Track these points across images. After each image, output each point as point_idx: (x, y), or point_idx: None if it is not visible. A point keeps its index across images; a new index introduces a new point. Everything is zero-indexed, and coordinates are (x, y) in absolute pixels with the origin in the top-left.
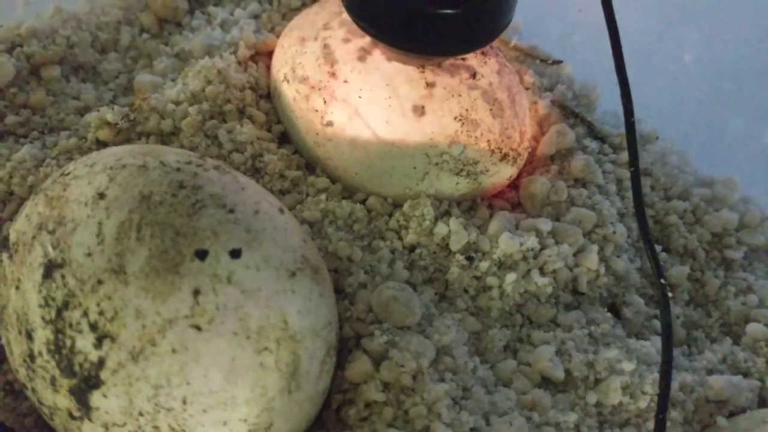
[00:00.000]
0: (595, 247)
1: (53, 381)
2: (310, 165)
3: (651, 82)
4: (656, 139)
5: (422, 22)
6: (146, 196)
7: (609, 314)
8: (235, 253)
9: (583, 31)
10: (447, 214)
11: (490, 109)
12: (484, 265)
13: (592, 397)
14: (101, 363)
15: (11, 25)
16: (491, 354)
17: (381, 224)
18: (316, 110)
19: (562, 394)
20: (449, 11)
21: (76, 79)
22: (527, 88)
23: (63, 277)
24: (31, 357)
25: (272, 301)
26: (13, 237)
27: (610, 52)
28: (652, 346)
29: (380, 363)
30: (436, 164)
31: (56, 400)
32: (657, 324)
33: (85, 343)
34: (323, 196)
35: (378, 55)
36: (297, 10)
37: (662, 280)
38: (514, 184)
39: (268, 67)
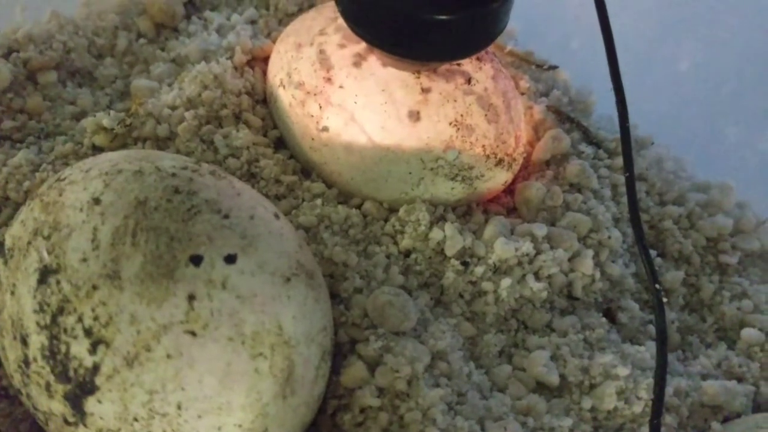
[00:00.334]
0: (590, 252)
1: (48, 386)
2: (306, 170)
3: (647, 88)
4: (651, 144)
5: (417, 27)
6: (141, 202)
7: (604, 319)
8: (230, 259)
9: (579, 37)
10: (442, 219)
11: (486, 115)
12: (479, 270)
13: (587, 402)
14: (96, 368)
15: (8, 29)
16: (486, 359)
17: (376, 229)
18: (312, 115)
19: (557, 399)
20: (444, 17)
21: (72, 84)
22: (523, 94)
23: (58, 282)
24: (26, 362)
25: (267, 306)
26: (8, 242)
27: (605, 57)
28: (647, 351)
29: (375, 368)
30: (432, 169)
31: (51, 405)
32: (652, 329)
33: (79, 348)
34: (319, 201)
35: (373, 61)
36: (293, 16)
37: (657, 285)
38: (509, 189)
39: (265, 73)
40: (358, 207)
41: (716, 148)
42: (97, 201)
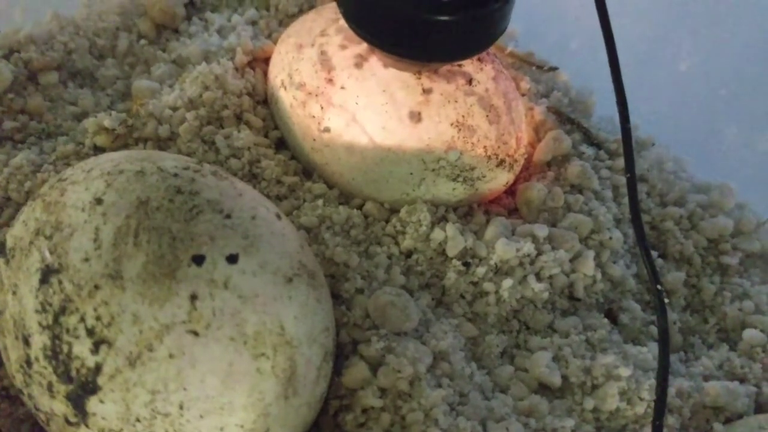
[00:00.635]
0: (591, 253)
1: (50, 387)
2: (307, 171)
3: (647, 89)
4: (652, 146)
5: (419, 28)
6: (143, 202)
7: (606, 320)
8: (232, 259)
9: (580, 38)
10: (444, 219)
11: (487, 116)
12: (480, 270)
13: (589, 403)
14: (98, 368)
15: (9, 30)
16: (488, 360)
17: (378, 230)
18: (313, 116)
19: (559, 400)
20: (446, 18)
21: (73, 84)
22: (523, 95)
23: (60, 282)
24: (28, 362)
25: (269, 306)
26: (10, 242)
27: (606, 58)
28: (649, 352)
29: (377, 369)
30: (433, 170)
31: (53, 405)
32: (654, 330)
33: (82, 348)
34: (320, 202)
35: (375, 62)
36: (294, 17)
37: (659, 286)
38: (510, 190)
39: (266, 74)
40: (360, 207)
41: (716, 148)
42: (99, 201)
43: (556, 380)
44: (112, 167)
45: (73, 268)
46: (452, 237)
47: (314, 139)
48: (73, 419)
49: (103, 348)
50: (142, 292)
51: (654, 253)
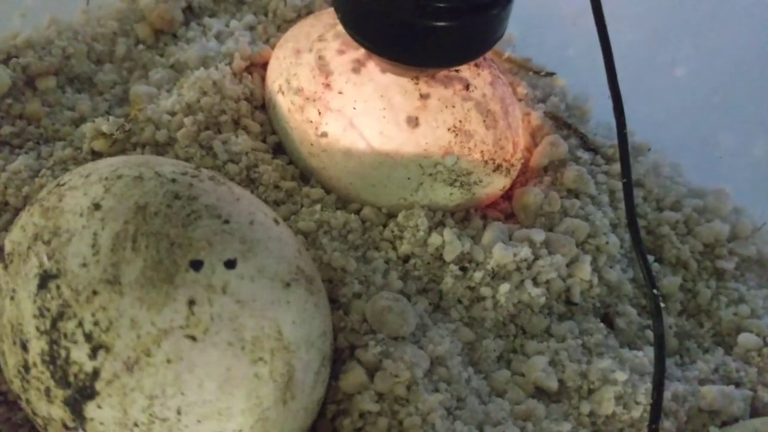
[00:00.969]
0: (588, 258)
1: (48, 392)
2: (305, 175)
3: (643, 95)
4: (648, 151)
5: (416, 34)
6: (141, 207)
7: (602, 324)
8: (230, 264)
9: (577, 44)
10: (441, 224)
11: (484, 121)
12: (477, 275)
13: (585, 407)
14: (96, 373)
15: (7, 35)
16: (485, 364)
17: (375, 235)
18: (311, 121)
19: (555, 404)
20: (443, 23)
21: (71, 89)
22: (520, 100)
23: (58, 287)
24: (26, 368)
25: (267, 311)
26: (8, 247)
27: (603, 64)
28: (645, 356)
29: (374, 373)
30: (430, 175)
31: (51, 410)
32: (650, 334)
33: (79, 353)
34: (318, 207)
35: (372, 67)
36: (292, 22)
37: (655, 291)
38: (507, 195)
39: (263, 79)
40: (357, 212)
41: (712, 153)
42: (97, 206)
43: (553, 384)
44: (110, 172)
45: (71, 273)
46: (449, 242)
47: (312, 144)
48: (71, 424)
49: (101, 353)
50: (140, 298)
51: (650, 258)
